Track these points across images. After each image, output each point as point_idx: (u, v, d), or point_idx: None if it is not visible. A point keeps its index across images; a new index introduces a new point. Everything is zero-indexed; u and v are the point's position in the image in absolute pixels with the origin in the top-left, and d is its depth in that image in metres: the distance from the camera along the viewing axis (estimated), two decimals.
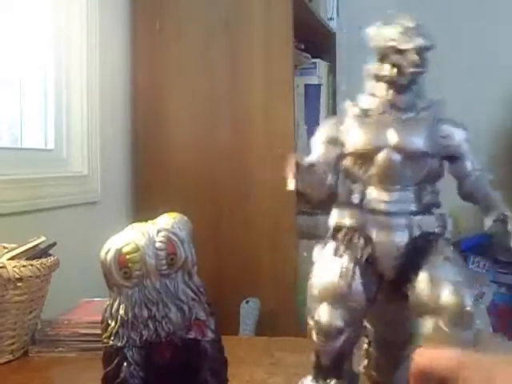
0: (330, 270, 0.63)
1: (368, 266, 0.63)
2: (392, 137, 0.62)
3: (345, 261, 0.63)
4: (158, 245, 0.61)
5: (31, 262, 1.00)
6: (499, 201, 0.64)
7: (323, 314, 0.63)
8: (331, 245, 0.65)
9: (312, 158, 0.66)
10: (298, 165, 0.62)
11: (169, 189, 1.91)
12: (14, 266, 0.97)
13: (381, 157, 0.62)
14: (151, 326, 0.61)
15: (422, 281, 0.60)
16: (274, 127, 1.83)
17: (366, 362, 0.74)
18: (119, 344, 0.61)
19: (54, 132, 1.66)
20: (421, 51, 0.62)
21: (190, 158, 1.91)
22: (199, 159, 1.91)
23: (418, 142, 0.63)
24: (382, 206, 0.63)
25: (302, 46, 2.23)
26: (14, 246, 1.09)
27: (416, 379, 0.47)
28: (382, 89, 0.65)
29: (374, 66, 0.65)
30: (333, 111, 2.47)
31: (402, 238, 0.62)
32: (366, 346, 0.74)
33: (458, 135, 0.65)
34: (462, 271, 0.61)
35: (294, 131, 1.86)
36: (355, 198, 0.65)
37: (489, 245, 2.55)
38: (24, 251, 1.07)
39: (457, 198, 0.69)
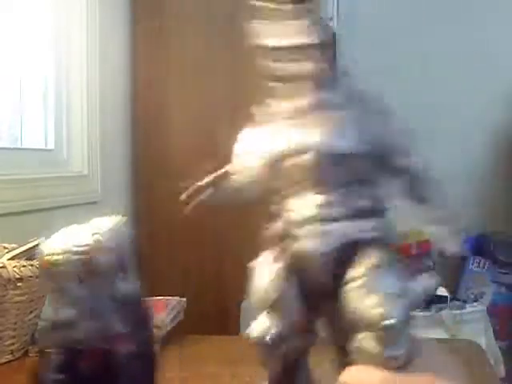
0: (262, 279, 0.60)
1: (301, 275, 0.59)
2: (308, 139, 0.57)
3: (276, 270, 0.60)
4: (76, 249, 0.59)
5: (31, 262, 1.00)
6: (435, 201, 0.57)
7: (258, 324, 0.60)
8: (266, 253, 0.64)
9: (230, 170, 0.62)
10: (200, 189, 0.58)
11: (169, 189, 1.90)
12: (14, 266, 0.97)
13: (299, 161, 0.57)
14: (70, 331, 0.58)
15: (348, 293, 0.55)
16: None
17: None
18: (46, 346, 0.60)
19: (54, 132, 1.66)
20: (310, 48, 0.55)
21: (190, 158, 1.91)
22: (199, 159, 1.89)
23: (338, 142, 0.56)
24: (305, 213, 0.58)
25: None
26: (14, 245, 1.09)
27: None
28: (294, 89, 0.58)
29: (275, 66, 0.59)
30: None
31: (325, 247, 0.57)
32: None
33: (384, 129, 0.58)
34: (394, 280, 0.55)
35: None
36: (280, 205, 0.62)
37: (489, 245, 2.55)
38: (24, 251, 1.07)
39: (457, 197, 0.67)
